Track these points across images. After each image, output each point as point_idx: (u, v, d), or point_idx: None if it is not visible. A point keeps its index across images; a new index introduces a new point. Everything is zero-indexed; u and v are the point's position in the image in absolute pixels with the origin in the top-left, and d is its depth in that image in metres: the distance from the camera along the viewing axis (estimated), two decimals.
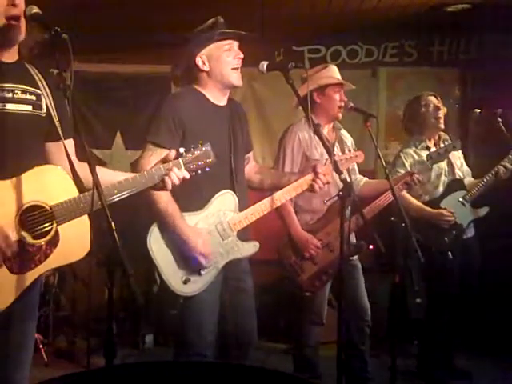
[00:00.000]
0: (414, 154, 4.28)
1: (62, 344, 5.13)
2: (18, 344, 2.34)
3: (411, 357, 4.58)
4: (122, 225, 1.82)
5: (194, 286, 2.92)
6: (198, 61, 3.01)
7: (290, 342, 4.65)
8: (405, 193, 4.02)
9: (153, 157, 2.84)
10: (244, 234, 3.05)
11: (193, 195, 2.92)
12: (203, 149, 2.43)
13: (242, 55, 3.03)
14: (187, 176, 2.37)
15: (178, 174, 2.34)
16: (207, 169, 2.42)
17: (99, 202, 1.92)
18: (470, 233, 4.35)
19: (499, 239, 5.09)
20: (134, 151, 5.88)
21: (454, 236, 4.17)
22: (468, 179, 4.44)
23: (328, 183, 3.13)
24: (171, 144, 2.87)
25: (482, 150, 4.59)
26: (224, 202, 2.99)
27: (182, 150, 2.37)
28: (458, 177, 4.34)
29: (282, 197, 3.07)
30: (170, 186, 2.36)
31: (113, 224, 1.79)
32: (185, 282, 2.89)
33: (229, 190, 3.01)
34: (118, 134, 6.32)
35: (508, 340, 4.85)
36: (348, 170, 3.69)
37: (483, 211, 4.30)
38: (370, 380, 3.92)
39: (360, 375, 3.89)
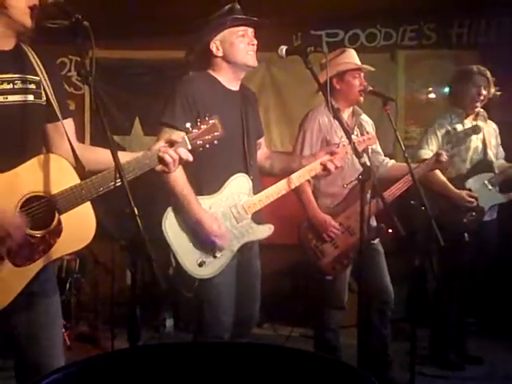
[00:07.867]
0: (448, 127, 4.20)
1: (85, 328, 5.18)
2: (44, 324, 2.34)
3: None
4: (138, 207, 1.82)
5: (210, 268, 2.95)
6: (212, 46, 3.05)
7: (308, 327, 4.66)
8: None
9: None
10: (258, 217, 3.08)
11: (207, 179, 2.97)
12: (210, 122, 2.37)
13: (255, 41, 3.05)
14: (187, 157, 2.27)
15: (173, 154, 2.25)
16: (215, 142, 2.39)
17: (111, 184, 2.01)
18: (491, 216, 4.31)
19: None
20: (153, 137, 5.84)
21: (472, 218, 4.15)
22: (500, 161, 4.39)
23: (340, 166, 3.14)
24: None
25: (505, 132, 4.53)
26: (238, 185, 3.02)
27: (188, 125, 2.36)
28: (489, 157, 4.27)
29: (296, 180, 3.09)
30: (171, 168, 2.26)
31: (136, 210, 1.79)
32: (200, 265, 2.93)
33: (243, 174, 3.03)
34: (137, 119, 6.34)
35: None
36: (368, 153, 3.68)
37: (508, 197, 4.25)
38: (391, 363, 3.95)
39: (381, 358, 3.91)
